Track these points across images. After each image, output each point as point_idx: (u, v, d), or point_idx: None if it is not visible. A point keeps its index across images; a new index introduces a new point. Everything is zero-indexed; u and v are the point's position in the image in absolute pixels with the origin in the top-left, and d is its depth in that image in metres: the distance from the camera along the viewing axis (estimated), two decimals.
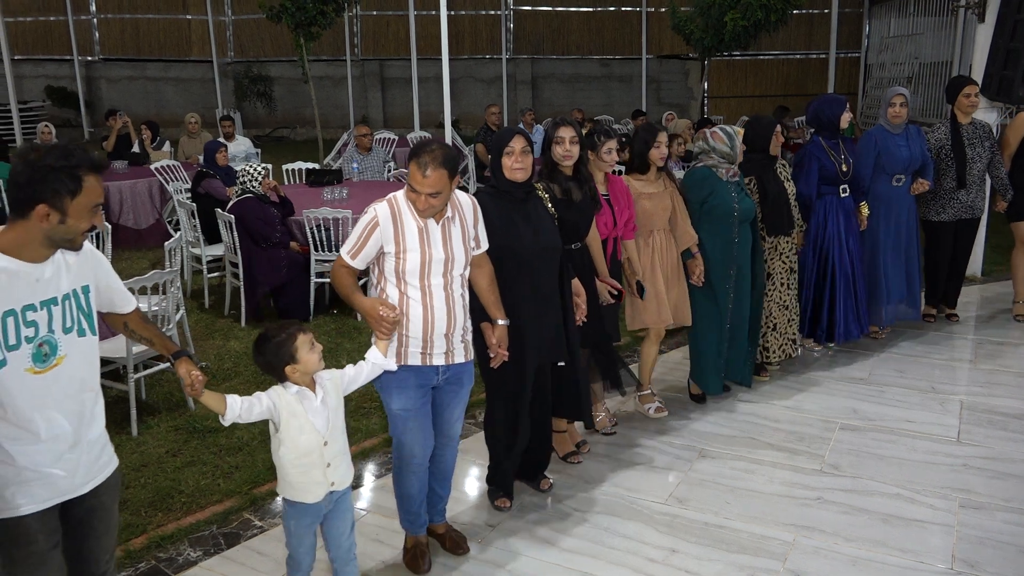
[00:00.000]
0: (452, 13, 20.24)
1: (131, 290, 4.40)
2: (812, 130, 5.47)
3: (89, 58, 20.60)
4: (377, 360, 2.94)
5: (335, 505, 2.89)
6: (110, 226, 6.07)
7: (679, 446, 4.39)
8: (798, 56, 19.34)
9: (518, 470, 3.89)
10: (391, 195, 3.08)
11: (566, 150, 3.81)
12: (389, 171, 9.26)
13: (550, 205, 3.72)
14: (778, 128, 4.86)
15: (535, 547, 3.52)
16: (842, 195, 5.29)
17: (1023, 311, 6.20)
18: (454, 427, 3.37)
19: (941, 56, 14.97)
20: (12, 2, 19.73)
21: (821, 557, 3.40)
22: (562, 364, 3.75)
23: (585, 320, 3.84)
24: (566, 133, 3.80)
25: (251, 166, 6.51)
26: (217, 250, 6.92)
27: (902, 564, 3.35)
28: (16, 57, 17.64)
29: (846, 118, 5.15)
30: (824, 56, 15.85)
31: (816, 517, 3.69)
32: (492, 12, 20.23)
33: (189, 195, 7.76)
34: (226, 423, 2.66)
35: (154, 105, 20.17)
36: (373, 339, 3.01)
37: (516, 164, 3.39)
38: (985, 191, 6.05)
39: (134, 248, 8.74)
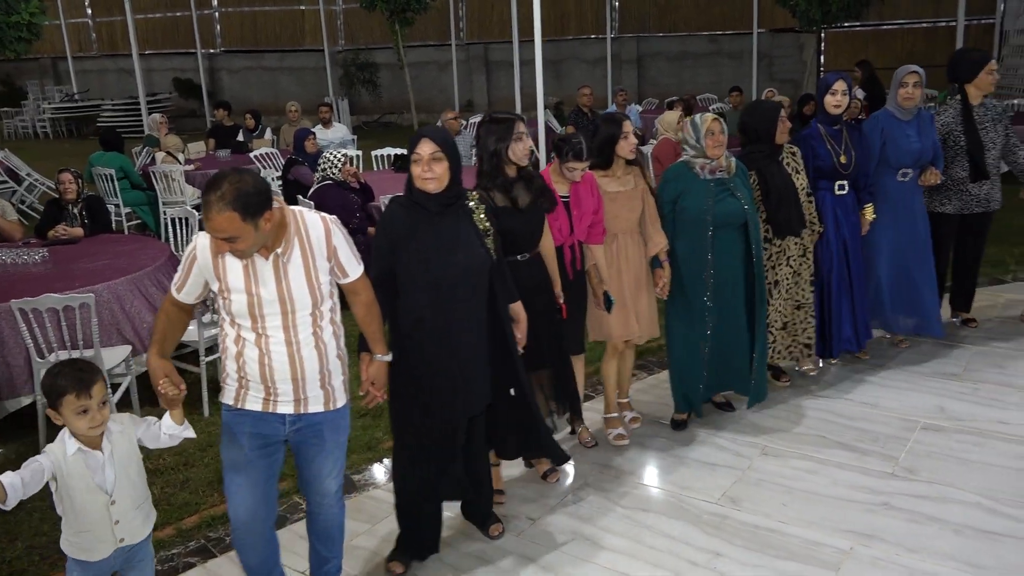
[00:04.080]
0: None
1: None
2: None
3: (211, 50, 21.71)
4: (171, 431, 2.62)
5: (129, 558, 2.64)
6: (199, 214, 6.32)
7: (740, 442, 4.17)
8: (924, 24, 18.13)
9: (466, 513, 3.55)
10: None
11: (524, 147, 3.39)
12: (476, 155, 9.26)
13: (483, 217, 3.18)
14: (783, 114, 4.32)
15: (572, 542, 3.42)
16: (838, 192, 4.61)
17: None
18: (325, 483, 2.89)
19: None
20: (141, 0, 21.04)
21: (878, 569, 3.15)
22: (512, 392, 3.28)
23: (526, 347, 3.33)
24: (522, 126, 3.38)
25: (331, 153, 6.64)
26: None
27: None
28: (146, 52, 18.74)
29: (836, 100, 4.51)
30: (953, 24, 14.74)
31: (879, 524, 3.42)
32: None
33: (280, 182, 8.00)
34: (9, 508, 2.31)
35: (271, 94, 21.07)
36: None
37: (425, 173, 2.90)
38: (998, 180, 5.14)
39: None
